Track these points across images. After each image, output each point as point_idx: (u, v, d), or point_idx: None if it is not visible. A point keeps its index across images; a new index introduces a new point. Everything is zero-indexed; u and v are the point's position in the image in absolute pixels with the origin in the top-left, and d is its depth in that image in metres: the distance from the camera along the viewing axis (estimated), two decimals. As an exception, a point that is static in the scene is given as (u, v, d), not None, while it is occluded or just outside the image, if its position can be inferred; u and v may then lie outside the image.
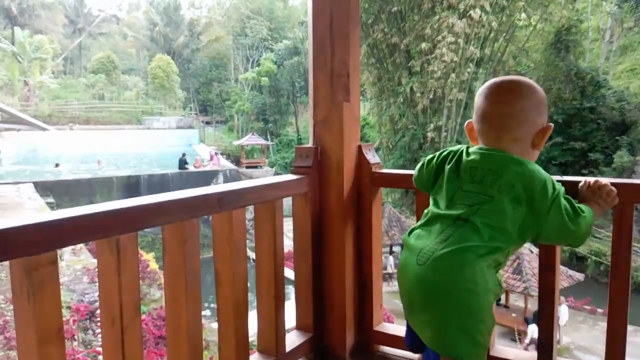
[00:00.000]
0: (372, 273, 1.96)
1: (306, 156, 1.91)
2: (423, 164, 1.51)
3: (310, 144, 1.96)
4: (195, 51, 48.29)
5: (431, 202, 1.39)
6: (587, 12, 31.53)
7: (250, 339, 1.75)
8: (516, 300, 15.38)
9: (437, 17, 21.93)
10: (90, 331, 5.80)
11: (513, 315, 14.41)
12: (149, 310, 6.86)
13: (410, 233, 1.37)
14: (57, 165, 24.73)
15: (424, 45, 22.22)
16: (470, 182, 1.30)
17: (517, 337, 13.52)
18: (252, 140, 32.74)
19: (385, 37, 23.68)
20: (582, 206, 1.31)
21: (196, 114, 45.71)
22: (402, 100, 24.33)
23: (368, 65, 24.67)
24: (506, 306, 15.13)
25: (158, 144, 33.15)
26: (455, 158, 1.38)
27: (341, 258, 1.89)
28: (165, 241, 1.37)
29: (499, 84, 1.38)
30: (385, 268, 16.33)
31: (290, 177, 1.88)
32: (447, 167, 1.37)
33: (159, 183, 22.03)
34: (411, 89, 23.77)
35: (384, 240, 17.29)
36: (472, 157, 1.33)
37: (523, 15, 23.25)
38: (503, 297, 15.26)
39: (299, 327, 1.99)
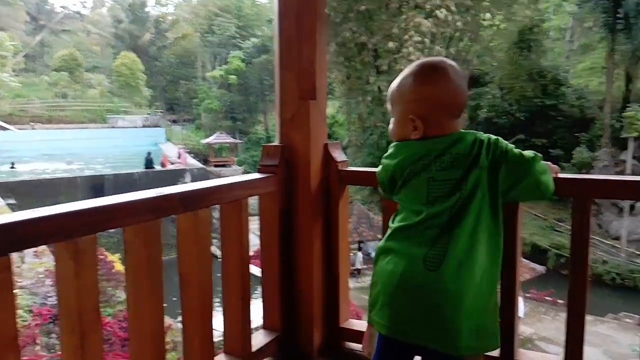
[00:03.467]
0: (339, 270, 1.96)
1: (273, 155, 1.90)
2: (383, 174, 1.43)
3: (277, 143, 1.95)
4: (162, 49, 47.45)
5: (403, 200, 1.34)
6: (550, 12, 32.41)
7: (216, 340, 1.74)
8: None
9: (404, 16, 22.15)
10: (53, 335, 5.64)
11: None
12: (115, 312, 6.72)
13: (393, 236, 1.32)
14: (12, 166, 23.88)
15: (391, 44, 22.39)
16: (439, 171, 1.27)
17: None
18: (220, 138, 32.39)
19: (354, 35, 23.78)
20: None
21: (163, 112, 44.90)
22: (370, 98, 24.48)
23: (337, 64, 24.74)
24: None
25: (123, 143, 32.40)
26: (409, 154, 1.32)
27: (309, 256, 1.89)
28: (128, 242, 1.34)
29: (454, 70, 1.33)
30: (353, 264, 16.44)
31: (257, 176, 1.87)
32: (407, 163, 1.32)
33: (125, 183, 21.53)
34: (379, 87, 23.95)
35: (353, 237, 17.43)
36: (431, 145, 1.29)
37: (487, 15, 23.67)
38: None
39: (266, 326, 1.98)
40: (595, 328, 13.89)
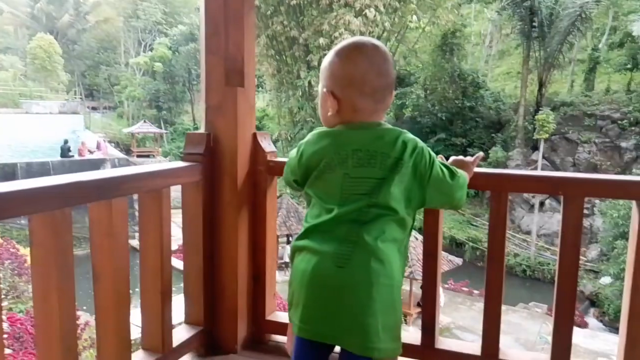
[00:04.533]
0: (266, 263, 1.93)
1: (198, 143, 1.82)
2: (293, 163, 1.38)
3: (202, 130, 1.87)
4: (82, 32, 44.73)
5: (317, 194, 1.30)
6: (471, 17, 34.04)
7: (136, 337, 1.65)
8: (403, 285, 16.26)
9: (335, 13, 22.38)
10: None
11: (401, 298, 15.23)
12: (28, 308, 6.28)
13: (306, 234, 1.28)
14: None
15: (322, 40, 22.56)
16: (356, 167, 1.23)
17: (403, 320, 14.32)
18: (144, 128, 31.15)
19: (285, 29, 23.71)
20: (455, 168, 1.38)
21: (82, 98, 42.45)
22: (301, 93, 24.53)
23: (267, 57, 24.57)
24: (397, 291, 15.95)
25: (38, 130, 30.22)
26: (325, 144, 1.28)
27: (234, 249, 1.84)
28: (33, 233, 1.23)
29: (376, 51, 1.30)
30: (281, 257, 16.42)
31: (180, 164, 1.79)
32: (320, 157, 1.27)
33: (39, 172, 20.06)
34: (309, 82, 24.04)
35: (282, 230, 17.39)
36: (351, 138, 1.26)
37: (414, 17, 24.45)
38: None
39: (188, 321, 1.90)
40: (508, 317, 14.79)
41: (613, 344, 12.29)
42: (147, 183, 1.58)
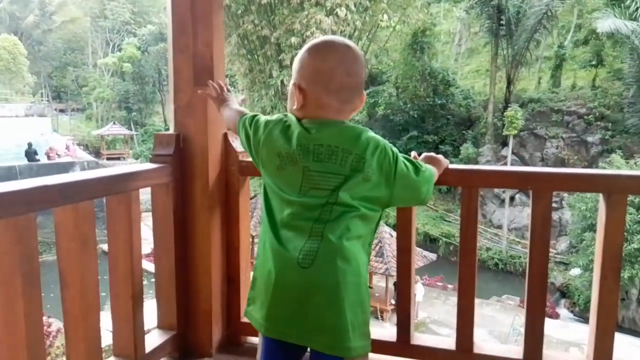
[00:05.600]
0: (240, 264, 1.90)
1: (167, 144, 1.79)
2: (257, 125, 1.34)
3: (171, 131, 1.84)
4: (48, 32, 43.60)
5: (277, 185, 1.27)
6: (440, 16, 34.47)
7: (107, 343, 1.61)
8: (379, 281, 16.40)
9: (306, 12, 22.34)
10: None
11: (377, 295, 15.35)
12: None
13: (267, 232, 1.26)
14: None
15: (293, 39, 22.48)
16: (317, 162, 1.22)
17: (380, 316, 14.44)
18: (113, 130, 30.58)
19: (256, 28, 23.53)
20: (420, 162, 1.38)
21: (49, 100, 41.36)
22: (273, 92, 24.41)
23: (239, 56, 24.35)
24: (370, 287, 16.06)
25: (3, 134, 29.30)
26: (289, 134, 1.26)
27: (207, 251, 1.81)
28: (-5, 239, 1.18)
29: (348, 50, 1.29)
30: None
31: (149, 166, 1.75)
32: (284, 145, 1.25)
33: (5, 177, 19.43)
34: (282, 81, 23.95)
35: (258, 231, 17.26)
36: (313, 132, 1.24)
37: (385, 16, 24.60)
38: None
39: (161, 325, 1.87)
40: (481, 310, 15.06)
41: (584, 333, 12.63)
42: (114, 186, 1.55)
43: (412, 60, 27.63)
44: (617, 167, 17.25)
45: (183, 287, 1.84)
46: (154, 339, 1.79)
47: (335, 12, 22.45)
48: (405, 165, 1.29)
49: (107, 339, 1.57)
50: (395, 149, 1.29)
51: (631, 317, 16.78)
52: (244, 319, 1.92)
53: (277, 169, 1.26)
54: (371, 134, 1.27)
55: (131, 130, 35.24)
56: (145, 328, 1.72)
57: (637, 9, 21.79)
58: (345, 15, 22.69)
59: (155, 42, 37.82)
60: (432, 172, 1.40)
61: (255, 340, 1.92)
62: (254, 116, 1.39)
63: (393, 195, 1.27)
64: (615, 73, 25.70)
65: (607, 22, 21.61)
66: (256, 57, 24.80)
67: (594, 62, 27.19)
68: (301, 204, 1.21)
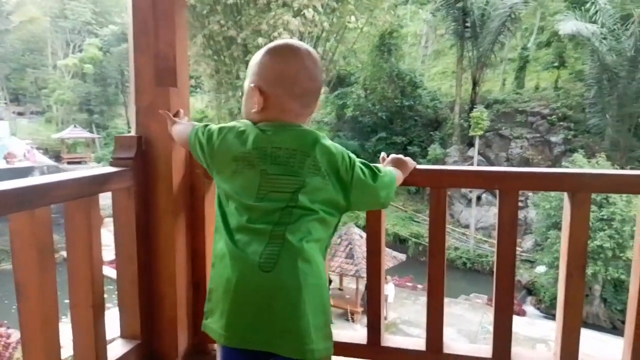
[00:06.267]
0: (206, 270, 1.85)
1: (128, 146, 1.73)
2: (211, 133, 1.31)
3: (133, 133, 1.78)
4: (5, 33, 42.12)
5: (234, 190, 1.24)
6: (407, 18, 34.91)
7: (68, 354, 1.54)
8: (349, 283, 16.46)
9: (273, 13, 22.26)
10: None
11: (347, 297, 15.39)
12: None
13: (224, 238, 1.23)
14: None
15: (260, 40, 22.35)
16: (275, 165, 1.21)
17: (350, 318, 14.48)
18: (74, 133, 29.78)
19: (222, 29, 23.31)
20: (379, 166, 1.38)
21: (6, 103, 39.99)
22: (240, 93, 24.15)
23: (205, 57, 24.07)
24: (340, 289, 16.11)
25: (-43, 138, 28.17)
26: (244, 137, 1.24)
27: (171, 256, 1.75)
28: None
29: (309, 55, 1.28)
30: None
31: (110, 169, 1.68)
32: (239, 148, 1.23)
33: (-41, 183, 18.70)
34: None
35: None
36: (271, 135, 1.23)
37: (352, 18, 24.74)
38: (338, 280, 16.23)
39: (125, 335, 1.80)
40: (450, 309, 15.28)
41: (550, 329, 12.97)
42: (73, 191, 1.48)
43: (380, 62, 27.89)
44: (579, 166, 17.80)
45: (147, 294, 1.78)
46: (116, 349, 1.73)
47: (302, 13, 22.45)
48: (362, 171, 1.28)
49: (68, 349, 1.51)
50: (352, 155, 1.29)
51: (595, 312, 17.33)
52: (211, 326, 1.87)
53: (233, 173, 1.24)
54: (328, 140, 1.27)
55: (93, 133, 34.40)
56: (108, 337, 1.66)
57: (596, 11, 22.55)
58: (313, 16, 22.72)
59: (117, 43, 37.05)
60: (393, 176, 1.39)
61: (224, 347, 1.88)
62: (206, 125, 1.37)
63: (351, 200, 1.27)
64: (576, 74, 26.54)
65: (568, 25, 22.31)
66: (222, 58, 24.57)
67: (556, 64, 28.02)
68: (260, 208, 1.20)
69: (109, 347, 1.66)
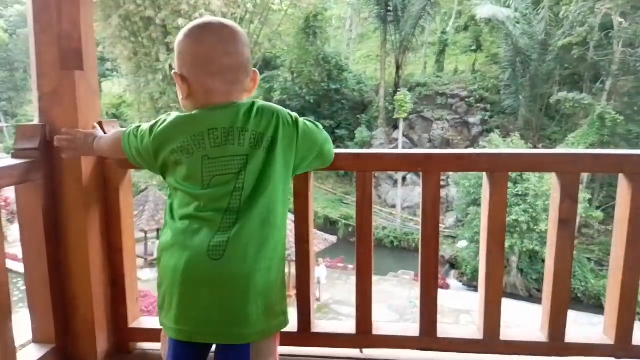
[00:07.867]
0: (124, 266, 1.74)
1: (31, 136, 1.58)
2: (142, 134, 1.27)
3: (36, 122, 1.62)
4: None
5: (178, 182, 1.21)
6: (331, 1, 34.96)
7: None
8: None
9: (194, -8, 21.48)
10: None
11: (280, 282, 15.43)
12: None
13: (172, 228, 1.19)
14: None
15: (181, 21, 21.52)
16: (215, 147, 1.16)
17: (285, 303, 14.54)
18: (-21, 122, 27.34)
19: (139, 9, 22.18)
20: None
21: None
22: (161, 77, 23.26)
23: (121, 39, 22.82)
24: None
25: None
26: (178, 127, 1.21)
27: (84, 253, 1.63)
28: None
29: (223, 29, 1.23)
30: (152, 254, 15.65)
31: (11, 162, 1.53)
32: (175, 139, 1.19)
33: None
34: (170, 65, 22.87)
35: (151, 225, 16.57)
36: (205, 119, 1.19)
37: (276, -1, 24.43)
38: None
39: (37, 339, 1.67)
40: (379, 286, 15.78)
41: (472, 300, 13.72)
42: (-35, 186, 1.33)
43: (306, 45, 27.83)
44: (495, 145, 18.82)
45: (60, 294, 1.65)
46: (29, 355, 1.60)
47: (225, -6, 21.83)
48: (304, 122, 1.29)
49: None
50: (293, 113, 1.27)
51: (512, 282, 18.56)
52: (132, 325, 1.78)
53: (175, 165, 1.20)
54: (263, 103, 1.23)
55: (1, 122, 31.85)
56: (19, 343, 1.53)
57: (511, -4, 23.78)
58: (236, -3, 22.16)
59: (24, 24, 34.25)
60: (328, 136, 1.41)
61: (146, 345, 1.79)
62: (138, 127, 1.31)
63: (298, 156, 1.26)
64: (492, 57, 27.92)
65: (485, 9, 23.36)
66: (140, 39, 23.41)
67: (473, 48, 29.29)
68: (207, 195, 1.16)
69: (20, 354, 1.54)
